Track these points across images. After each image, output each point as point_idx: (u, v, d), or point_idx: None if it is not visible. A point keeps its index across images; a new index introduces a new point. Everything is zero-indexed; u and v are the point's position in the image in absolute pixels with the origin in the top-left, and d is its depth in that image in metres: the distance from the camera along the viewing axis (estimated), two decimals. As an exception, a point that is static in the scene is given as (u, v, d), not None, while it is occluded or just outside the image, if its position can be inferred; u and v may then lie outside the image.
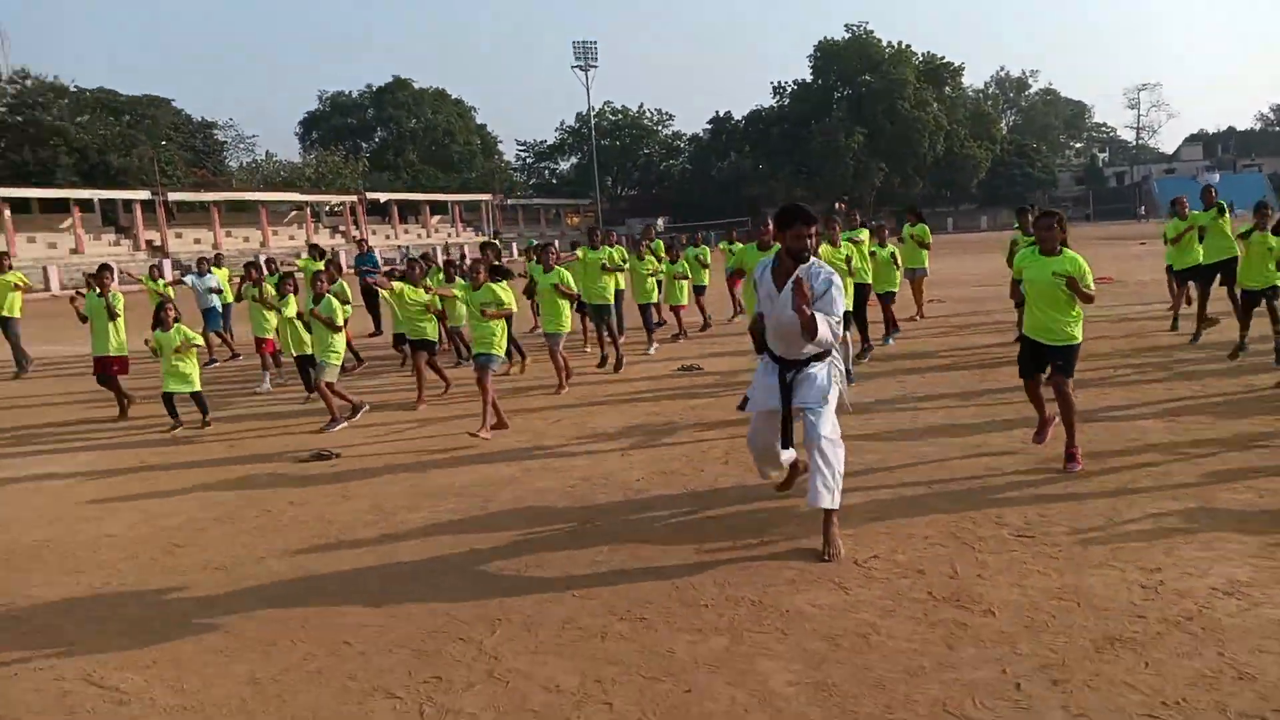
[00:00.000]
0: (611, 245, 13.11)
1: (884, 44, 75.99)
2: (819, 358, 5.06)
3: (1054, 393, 6.22)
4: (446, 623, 4.42)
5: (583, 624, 4.30)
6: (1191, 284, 11.83)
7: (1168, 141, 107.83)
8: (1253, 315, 9.60)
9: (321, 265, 13.41)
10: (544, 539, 5.55)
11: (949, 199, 75.25)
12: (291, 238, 61.37)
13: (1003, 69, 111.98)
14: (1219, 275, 11.05)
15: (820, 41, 77.23)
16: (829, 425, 4.98)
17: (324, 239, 58.29)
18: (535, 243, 14.69)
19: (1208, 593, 4.17)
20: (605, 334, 12.08)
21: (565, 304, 10.60)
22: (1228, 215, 11.18)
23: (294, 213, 66.47)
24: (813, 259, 5.04)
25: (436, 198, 74.02)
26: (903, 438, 7.38)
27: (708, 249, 16.54)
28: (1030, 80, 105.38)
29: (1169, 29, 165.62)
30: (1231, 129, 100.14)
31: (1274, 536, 4.78)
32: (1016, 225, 11.99)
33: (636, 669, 3.83)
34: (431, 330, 10.49)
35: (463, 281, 10.54)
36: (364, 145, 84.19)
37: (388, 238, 64.48)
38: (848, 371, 5.15)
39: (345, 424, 9.15)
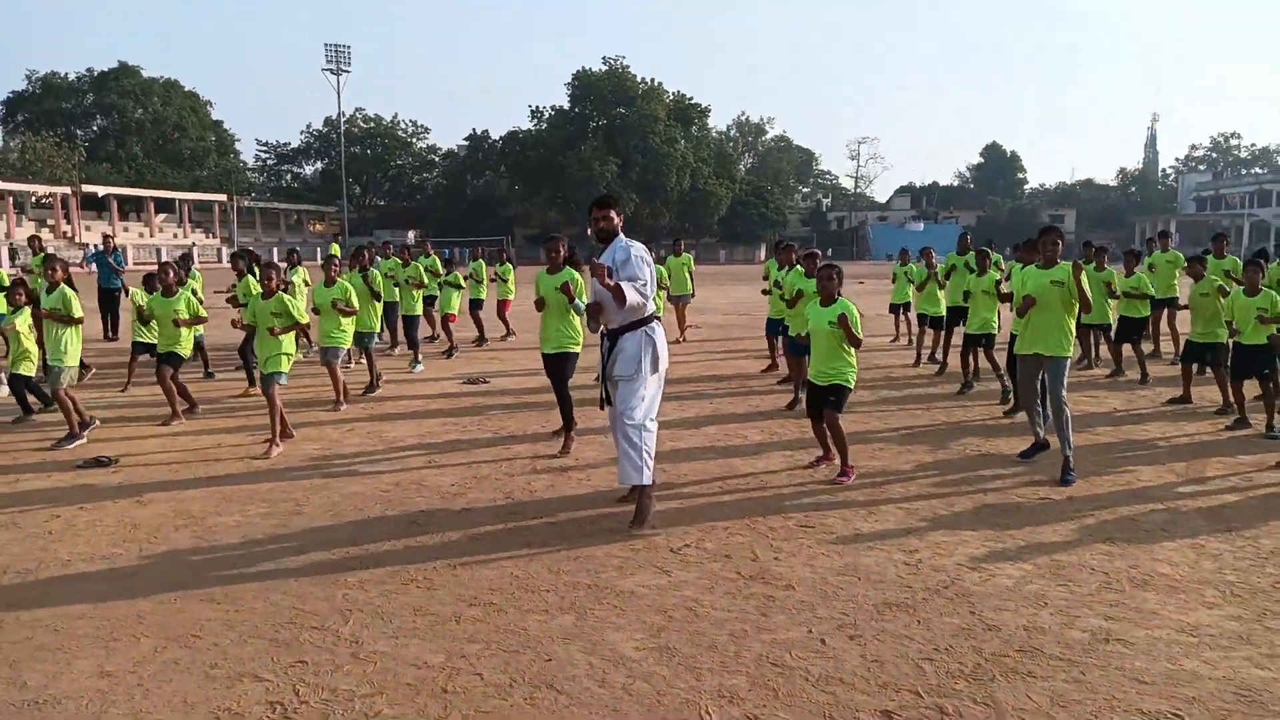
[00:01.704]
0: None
1: (639, 79, 79.23)
2: (633, 327, 5.76)
3: (826, 424, 7.10)
4: (295, 615, 4.55)
5: (434, 610, 4.59)
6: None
7: (881, 191, 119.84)
8: (975, 355, 11.14)
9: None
10: (372, 538, 5.72)
11: (690, 232, 79.41)
12: (-12, 229, 54.54)
13: (743, 114, 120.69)
14: (960, 321, 12.25)
15: (578, 71, 79.32)
16: (640, 410, 5.70)
17: (29, 234, 52.14)
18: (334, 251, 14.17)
19: (956, 567, 5.15)
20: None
21: (348, 319, 10.32)
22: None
23: (-8, 202, 59.04)
24: (620, 236, 5.87)
25: (164, 195, 68.55)
26: (688, 454, 8.13)
27: (483, 265, 16.78)
28: (767, 126, 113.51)
29: (887, 90, 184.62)
30: (935, 183, 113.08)
31: (1000, 526, 5.92)
32: (772, 260, 13.12)
33: (496, 645, 4.20)
34: (186, 344, 9.63)
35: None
36: (80, 133, 76.32)
37: (103, 235, 58.69)
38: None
39: (85, 439, 8.37)
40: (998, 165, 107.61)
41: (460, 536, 5.75)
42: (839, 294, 7.11)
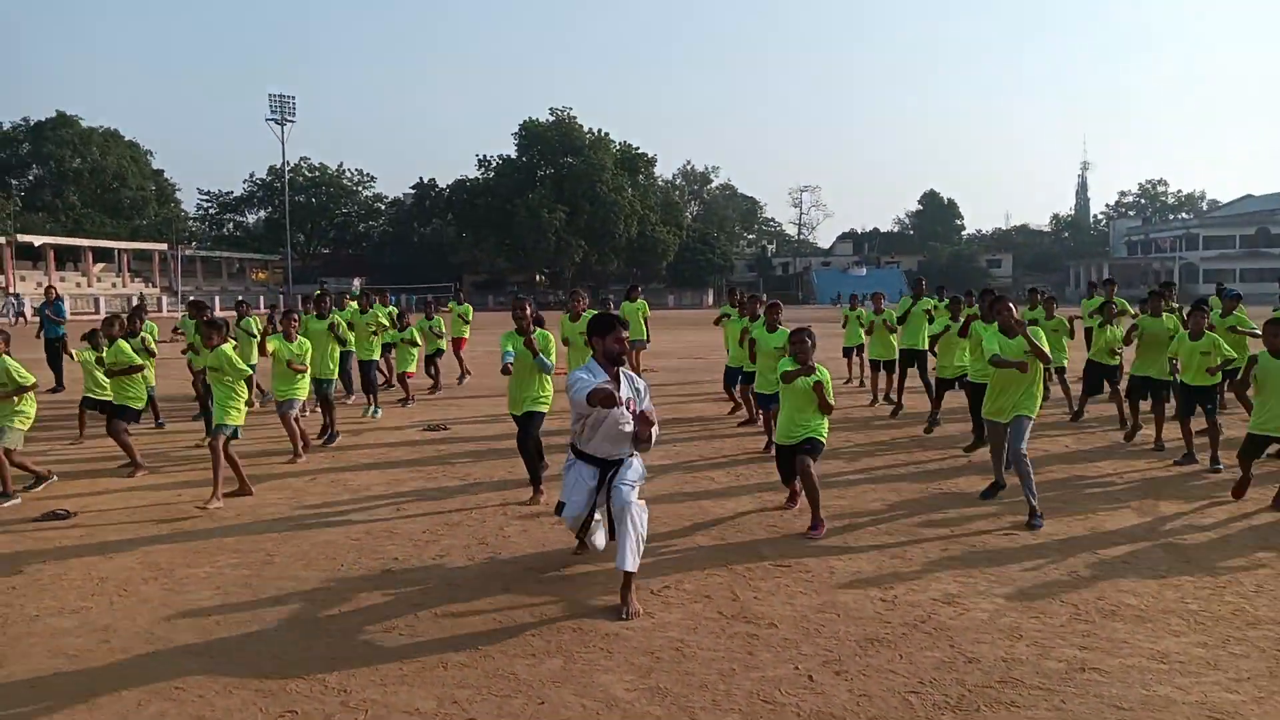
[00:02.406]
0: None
1: (585, 130, 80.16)
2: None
3: (799, 472, 7.05)
4: (278, 665, 4.49)
5: (420, 658, 4.57)
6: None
7: (824, 237, 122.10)
8: (944, 397, 11.37)
9: None
10: (348, 585, 5.67)
11: (639, 278, 79.96)
12: (-82, 279, 52.94)
13: (689, 163, 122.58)
14: (915, 362, 12.88)
15: (525, 121, 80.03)
16: (637, 493, 5.47)
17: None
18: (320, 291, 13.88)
19: (931, 603, 5.26)
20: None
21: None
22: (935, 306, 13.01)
23: (-77, 251, 57.44)
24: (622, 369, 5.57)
25: (103, 244, 67.32)
26: (657, 498, 8.18)
27: (441, 320, 16.73)
28: (712, 175, 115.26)
29: (827, 140, 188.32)
30: (876, 229, 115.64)
31: (969, 562, 6.06)
32: (728, 304, 13.39)
33: (487, 689, 4.19)
34: (137, 396, 9.53)
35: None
36: (15, 183, 74.80)
37: (39, 284, 57.32)
38: None
39: (18, 500, 8.01)
40: (936, 212, 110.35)
41: (438, 583, 5.72)
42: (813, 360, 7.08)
